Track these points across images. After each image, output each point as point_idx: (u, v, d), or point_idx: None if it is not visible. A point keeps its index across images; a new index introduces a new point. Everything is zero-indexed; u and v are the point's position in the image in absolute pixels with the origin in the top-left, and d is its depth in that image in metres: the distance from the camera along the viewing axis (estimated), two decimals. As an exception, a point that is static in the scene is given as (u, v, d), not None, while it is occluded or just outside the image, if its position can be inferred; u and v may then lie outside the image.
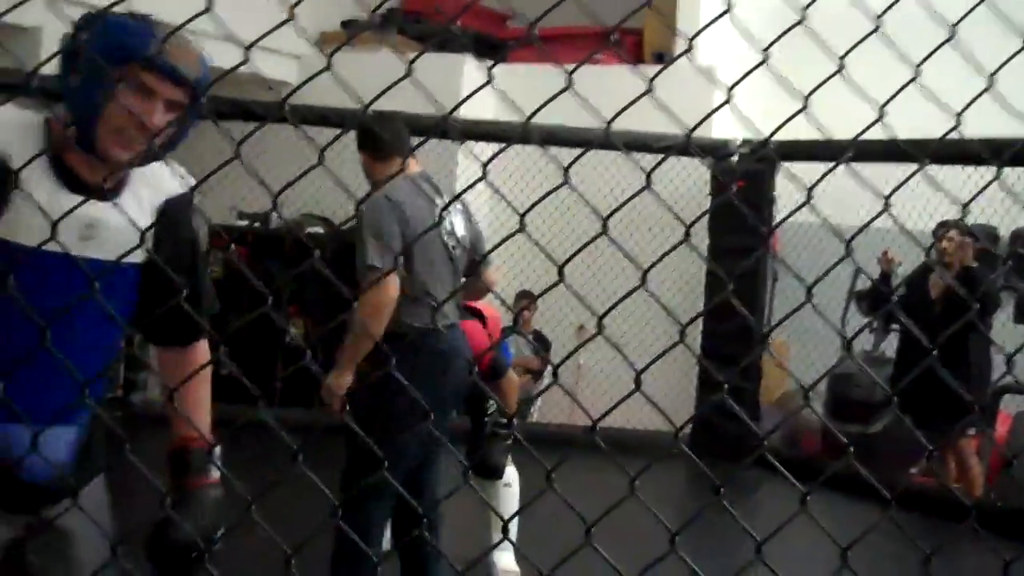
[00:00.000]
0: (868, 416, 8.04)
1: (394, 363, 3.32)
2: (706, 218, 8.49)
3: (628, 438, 7.66)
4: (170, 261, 2.12)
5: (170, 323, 2.29)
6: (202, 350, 2.48)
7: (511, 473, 5.18)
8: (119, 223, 2.15)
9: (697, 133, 1.44)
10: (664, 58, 9.50)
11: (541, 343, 8.90)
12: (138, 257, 2.19)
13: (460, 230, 4.26)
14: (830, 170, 1.04)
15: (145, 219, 2.23)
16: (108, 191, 2.18)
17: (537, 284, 8.44)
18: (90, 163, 2.16)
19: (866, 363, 8.20)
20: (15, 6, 1.41)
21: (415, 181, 4.13)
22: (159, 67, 2.09)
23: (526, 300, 8.51)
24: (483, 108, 8.22)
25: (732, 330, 8.00)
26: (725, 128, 8.31)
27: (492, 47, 9.74)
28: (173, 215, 2.29)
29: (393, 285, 3.90)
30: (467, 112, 7.91)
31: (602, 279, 8.18)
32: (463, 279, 4.30)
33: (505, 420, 4.86)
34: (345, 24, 9.81)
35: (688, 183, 8.51)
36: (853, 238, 1.09)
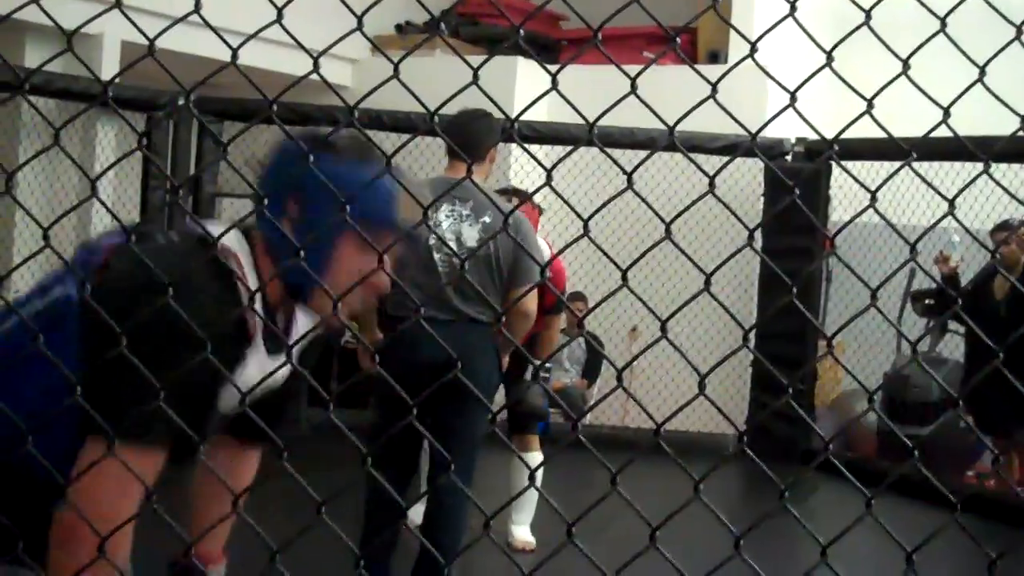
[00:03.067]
0: (924, 418, 7.96)
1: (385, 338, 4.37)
2: (759, 218, 8.43)
3: (680, 439, 7.65)
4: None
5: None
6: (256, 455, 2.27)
7: (534, 454, 5.46)
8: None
9: (751, 131, 1.42)
10: (718, 57, 9.45)
11: (593, 346, 8.87)
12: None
13: (470, 240, 4.34)
14: (897, 170, 1.03)
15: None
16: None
17: (589, 286, 8.42)
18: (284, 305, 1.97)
19: (923, 364, 8.12)
20: (89, 21, 1.41)
21: (436, 184, 4.30)
22: (397, 226, 1.89)
23: (579, 302, 8.49)
24: (536, 108, 8.22)
25: (786, 331, 7.96)
26: (777, 127, 8.26)
27: (545, 47, 9.73)
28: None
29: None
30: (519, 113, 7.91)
31: (654, 281, 8.17)
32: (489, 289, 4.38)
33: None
34: (399, 28, 9.85)
35: (741, 183, 8.45)
36: (919, 240, 1.08)
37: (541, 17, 9.87)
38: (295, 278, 1.85)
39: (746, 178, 8.41)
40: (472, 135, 4.43)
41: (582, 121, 1.25)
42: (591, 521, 1.20)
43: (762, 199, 8.63)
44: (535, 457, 5.50)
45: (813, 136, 8.47)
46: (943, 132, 1.14)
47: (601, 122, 1.27)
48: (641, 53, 9.20)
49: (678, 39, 1.19)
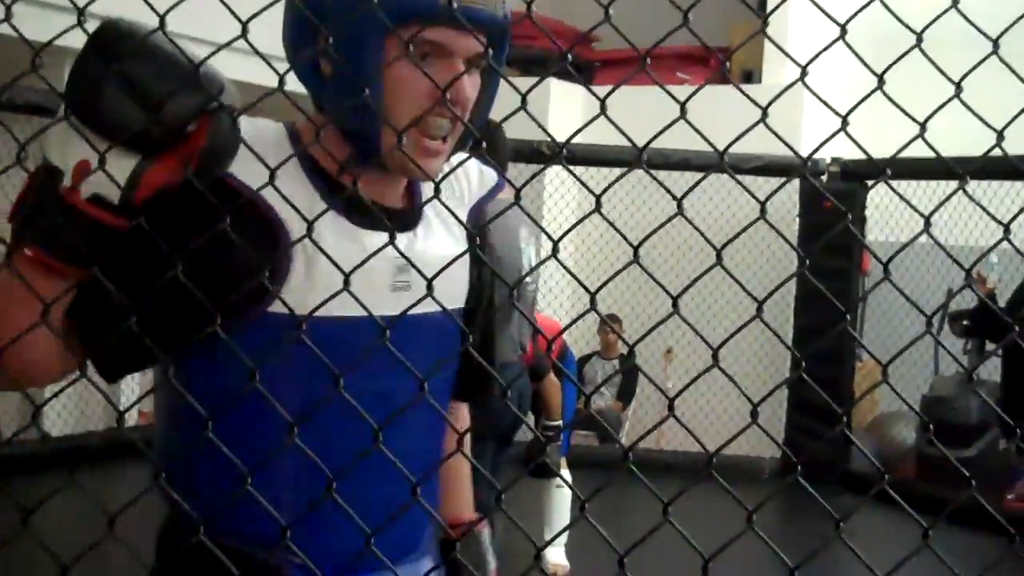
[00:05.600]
0: (963, 440, 7.88)
1: None
2: (794, 238, 8.39)
3: (716, 462, 7.59)
4: (486, 290, 1.65)
5: (472, 375, 1.63)
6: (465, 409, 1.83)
7: (564, 474, 5.44)
8: (434, 254, 1.50)
9: (785, 151, 1.43)
10: (752, 76, 9.43)
11: (628, 370, 8.83)
12: (461, 297, 1.62)
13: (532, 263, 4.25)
14: (952, 194, 1.02)
15: (459, 239, 1.56)
16: (406, 211, 1.54)
17: (624, 307, 8.41)
18: (372, 178, 1.48)
19: (962, 385, 8.05)
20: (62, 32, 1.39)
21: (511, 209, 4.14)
22: (453, 14, 1.32)
23: (615, 324, 8.47)
24: (567, 128, 8.22)
25: (822, 351, 7.90)
26: (812, 146, 8.21)
27: (579, 68, 9.75)
28: (492, 226, 1.68)
29: None
30: (555, 134, 7.87)
31: (688, 301, 8.13)
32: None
33: (552, 423, 4.96)
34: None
35: (776, 202, 8.40)
36: (975, 265, 1.07)
37: (574, 38, 9.89)
38: (354, 131, 1.40)
39: (780, 197, 8.37)
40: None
41: (615, 141, 1.25)
42: (626, 544, 1.19)
43: (797, 219, 8.59)
44: (564, 474, 5.52)
45: (847, 156, 8.43)
46: (964, 147, 1.14)
47: (633, 142, 1.27)
48: (674, 73, 9.19)
49: (727, 63, 1.19)
